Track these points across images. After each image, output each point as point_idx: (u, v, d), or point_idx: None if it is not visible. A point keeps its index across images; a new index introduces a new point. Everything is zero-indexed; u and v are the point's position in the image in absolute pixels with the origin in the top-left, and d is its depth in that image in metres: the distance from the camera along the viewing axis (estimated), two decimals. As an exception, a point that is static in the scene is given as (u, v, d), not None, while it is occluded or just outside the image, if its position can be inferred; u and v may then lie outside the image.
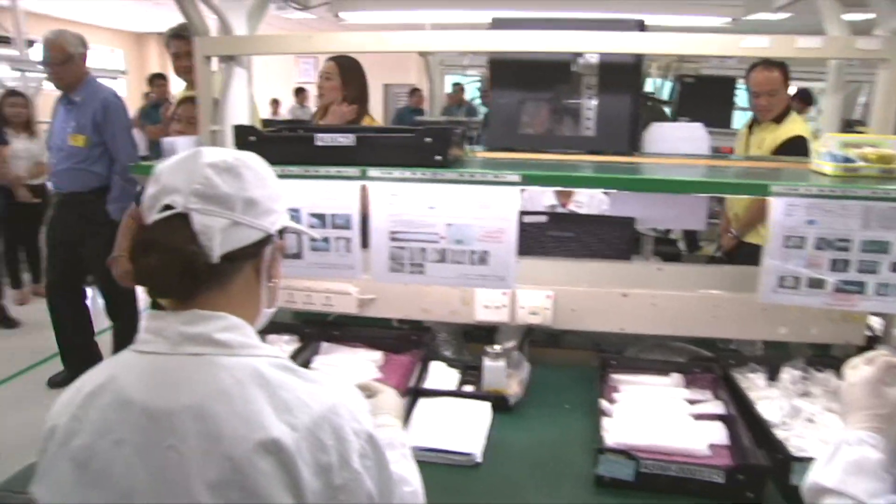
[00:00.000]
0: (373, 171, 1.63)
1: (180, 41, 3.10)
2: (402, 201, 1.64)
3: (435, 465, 1.45)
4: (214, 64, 2.09)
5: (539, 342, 2.09)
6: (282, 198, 1.04)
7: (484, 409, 1.65)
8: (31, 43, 6.83)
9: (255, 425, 0.84)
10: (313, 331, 2.03)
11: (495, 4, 2.26)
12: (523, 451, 1.55)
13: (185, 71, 3.14)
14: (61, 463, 0.89)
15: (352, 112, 3.04)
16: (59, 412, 0.92)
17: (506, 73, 2.06)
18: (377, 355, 1.93)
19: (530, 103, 2.07)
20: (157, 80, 6.99)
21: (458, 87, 9.58)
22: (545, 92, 2.04)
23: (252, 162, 1.00)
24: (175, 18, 3.17)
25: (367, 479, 0.90)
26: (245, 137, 1.74)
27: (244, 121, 2.18)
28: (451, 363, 1.90)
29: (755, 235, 3.21)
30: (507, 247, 1.62)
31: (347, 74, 3.07)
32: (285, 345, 1.94)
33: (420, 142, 1.59)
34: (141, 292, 3.52)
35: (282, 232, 1.04)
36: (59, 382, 3.74)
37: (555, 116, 2.07)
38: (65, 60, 3.40)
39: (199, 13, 2.03)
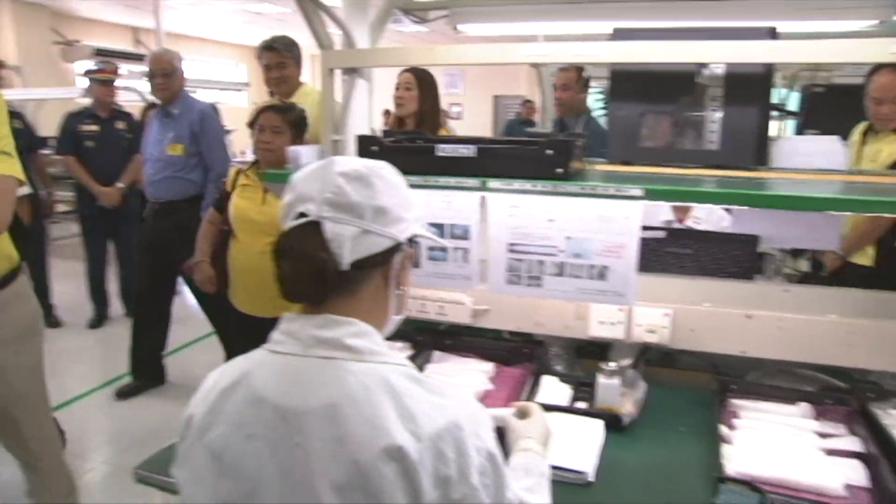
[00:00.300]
0: (493, 183, 1.63)
1: (271, 53, 3.19)
2: (522, 213, 1.64)
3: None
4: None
5: (653, 361, 2.02)
6: (413, 206, 1.05)
7: (596, 427, 1.61)
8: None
9: (380, 431, 0.86)
10: (426, 339, 2.06)
11: (614, 15, 2.22)
12: (637, 473, 1.50)
13: (275, 83, 3.24)
14: (198, 452, 0.94)
15: None
16: (196, 403, 0.98)
17: (626, 84, 2.01)
18: (488, 366, 1.93)
19: (651, 116, 2.02)
20: (279, 92, 7.34)
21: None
22: (667, 104, 1.98)
23: (383, 171, 1.02)
24: (296, 35, 3.32)
25: (484, 497, 0.90)
26: (367, 147, 1.79)
27: (365, 131, 2.25)
28: (563, 378, 1.87)
29: (863, 256, 2.95)
30: (628, 262, 1.58)
31: (424, 86, 3.06)
32: (398, 351, 1.98)
33: (541, 154, 1.58)
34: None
35: (412, 240, 1.05)
36: (127, 393, 3.83)
37: (676, 129, 2.00)
38: (171, 73, 3.65)
39: (324, 28, 2.12)
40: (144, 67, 3.82)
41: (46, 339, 4.27)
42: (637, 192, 1.51)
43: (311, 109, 2.82)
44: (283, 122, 2.60)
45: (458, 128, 12.44)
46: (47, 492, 2.16)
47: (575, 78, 3.73)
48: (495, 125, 13.05)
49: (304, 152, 2.22)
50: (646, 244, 2.15)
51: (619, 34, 1.97)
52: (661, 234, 2.21)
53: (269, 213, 2.58)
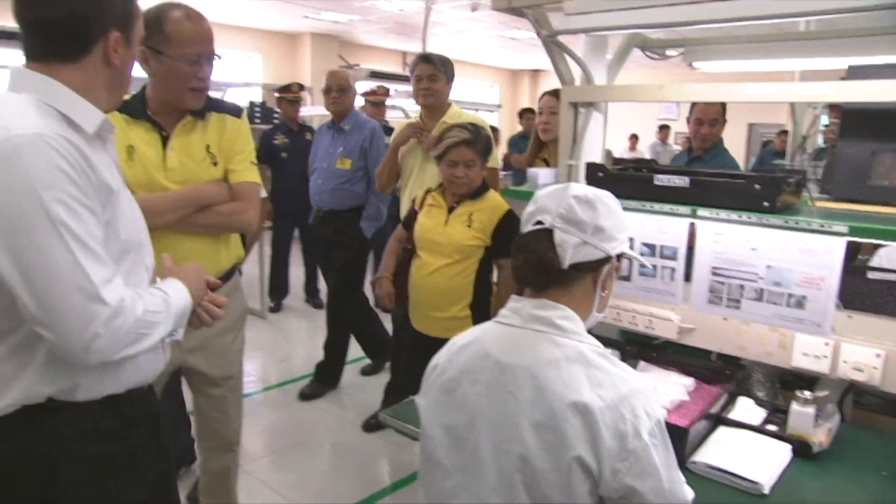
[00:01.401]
0: (702, 211, 1.80)
1: (426, 64, 3.21)
2: (726, 240, 1.78)
3: (720, 484, 1.57)
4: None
5: (870, 406, 1.99)
6: (625, 229, 1.32)
7: (783, 451, 1.68)
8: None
9: (572, 390, 1.13)
10: (634, 349, 2.24)
11: (853, 51, 2.20)
12: (817, 499, 1.56)
13: (424, 94, 3.22)
14: (437, 388, 1.29)
15: None
16: (441, 355, 1.34)
17: (859, 121, 2.02)
18: (689, 381, 2.06)
19: (887, 154, 2.00)
20: (527, 113, 7.80)
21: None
22: (907, 143, 1.95)
23: (607, 199, 1.30)
24: (544, 60, 3.58)
25: (654, 453, 1.12)
26: (594, 173, 2.05)
27: (598, 159, 2.50)
28: (759, 402, 1.95)
29: None
30: (827, 295, 1.64)
31: None
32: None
33: (750, 188, 1.72)
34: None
35: (620, 256, 1.31)
36: (368, 372, 4.41)
37: (918, 169, 1.96)
38: (346, 89, 3.93)
39: (567, 65, 2.42)
40: (409, 87, 4.28)
41: (307, 317, 4.83)
42: (841, 228, 1.58)
43: None
44: (476, 155, 2.61)
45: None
46: (233, 475, 2.46)
47: (721, 111, 3.38)
48: (748, 154, 12.32)
49: (542, 174, 2.54)
50: (877, 285, 2.13)
51: (854, 73, 2.00)
52: (893, 277, 2.14)
53: (450, 234, 2.63)
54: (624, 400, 1.12)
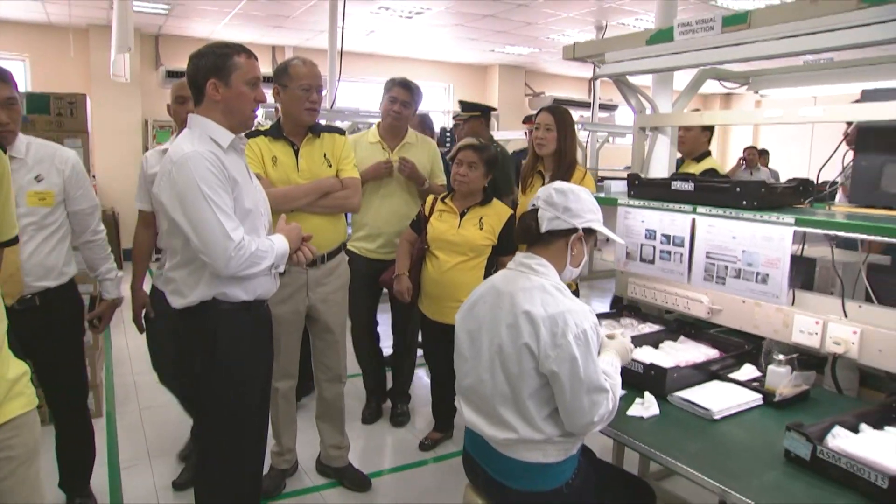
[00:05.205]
0: (700, 209, 2.31)
1: (403, 89, 3.48)
2: (715, 231, 2.26)
3: (684, 411, 2.07)
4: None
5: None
6: (591, 212, 1.93)
7: (752, 397, 2.12)
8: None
9: (527, 304, 1.78)
10: (674, 325, 2.73)
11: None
12: (760, 427, 1.99)
13: (395, 115, 3.49)
14: (465, 308, 1.99)
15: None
16: (474, 290, 2.02)
17: (871, 138, 2.36)
18: (713, 352, 2.52)
19: (893, 165, 2.32)
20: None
21: None
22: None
23: (578, 190, 1.93)
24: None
25: (575, 349, 1.72)
26: (633, 181, 2.62)
27: (664, 172, 3.03)
28: (759, 368, 2.36)
29: None
30: (782, 272, 2.08)
31: (563, 125, 3.11)
32: (646, 328, 2.71)
33: (733, 191, 2.20)
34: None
35: (590, 231, 1.92)
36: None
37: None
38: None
39: (638, 99, 2.98)
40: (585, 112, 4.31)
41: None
42: (789, 220, 2.02)
43: (415, 156, 3.46)
44: (479, 159, 3.01)
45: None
46: (342, 401, 3.11)
47: None
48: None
49: (614, 184, 3.11)
50: (871, 270, 2.40)
51: (867, 96, 2.36)
52: (886, 261, 2.40)
53: (464, 235, 3.07)
54: (560, 314, 1.74)
